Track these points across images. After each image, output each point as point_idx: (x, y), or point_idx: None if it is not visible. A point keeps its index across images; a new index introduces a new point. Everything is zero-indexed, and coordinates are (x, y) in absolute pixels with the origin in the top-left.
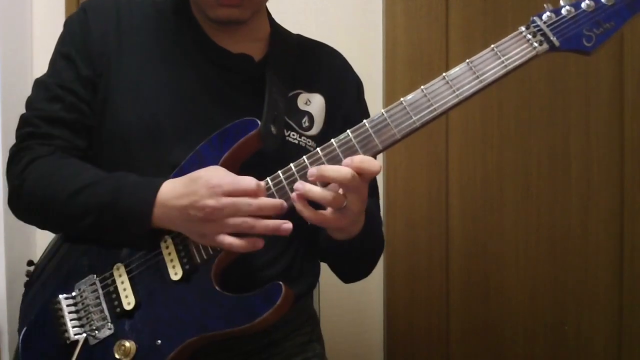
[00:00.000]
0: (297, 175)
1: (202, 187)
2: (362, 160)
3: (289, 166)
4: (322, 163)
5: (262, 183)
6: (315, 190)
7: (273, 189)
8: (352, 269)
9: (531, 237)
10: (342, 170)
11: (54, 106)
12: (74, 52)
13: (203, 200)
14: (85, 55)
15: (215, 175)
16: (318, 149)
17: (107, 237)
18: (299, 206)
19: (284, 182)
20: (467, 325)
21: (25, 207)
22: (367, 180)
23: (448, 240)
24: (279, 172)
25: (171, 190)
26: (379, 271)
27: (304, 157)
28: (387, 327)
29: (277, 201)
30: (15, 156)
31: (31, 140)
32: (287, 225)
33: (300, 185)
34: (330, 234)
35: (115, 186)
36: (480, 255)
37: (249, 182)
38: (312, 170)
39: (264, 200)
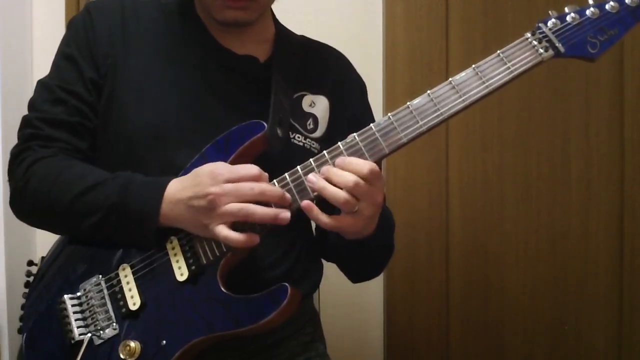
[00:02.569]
0: (303, 178)
1: (205, 177)
2: (346, 163)
3: (295, 169)
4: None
5: (262, 171)
6: (330, 189)
7: None
8: (360, 269)
9: (531, 237)
10: (345, 176)
11: (56, 109)
12: (77, 53)
13: (206, 189)
14: (89, 56)
15: (217, 166)
16: (325, 151)
17: (112, 237)
18: (314, 214)
19: (291, 185)
20: (467, 325)
21: (28, 208)
22: (376, 185)
23: (448, 240)
24: (286, 174)
25: (177, 186)
26: None
27: (311, 159)
28: (387, 327)
29: (279, 189)
30: (17, 157)
31: (33, 142)
32: (285, 214)
33: (313, 177)
34: (341, 234)
35: (122, 185)
36: (480, 255)
37: (250, 168)
38: (323, 169)
39: (267, 185)
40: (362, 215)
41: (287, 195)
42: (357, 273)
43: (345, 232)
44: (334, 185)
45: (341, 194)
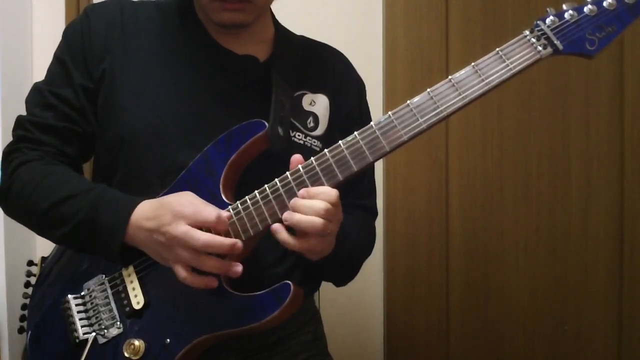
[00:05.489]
0: (305, 177)
1: (167, 214)
2: (313, 193)
3: (297, 168)
4: (330, 164)
5: (225, 214)
6: (305, 219)
7: (282, 189)
8: (330, 279)
9: (531, 237)
10: (315, 206)
11: (46, 114)
12: (69, 59)
13: (165, 227)
14: (82, 61)
15: (181, 203)
16: (326, 150)
17: (81, 248)
18: (281, 236)
19: (293, 184)
20: (467, 325)
21: (11, 207)
22: (340, 205)
23: (448, 240)
24: (287, 173)
25: (143, 212)
26: (379, 271)
27: (312, 158)
28: (387, 327)
29: (228, 241)
30: (7, 157)
31: (22, 144)
32: (236, 268)
33: (288, 215)
34: (303, 255)
35: (93, 202)
36: (480, 255)
37: (208, 213)
38: (292, 204)
39: (212, 239)
40: (330, 235)
41: (239, 244)
42: (331, 282)
43: (311, 253)
44: (307, 213)
45: (319, 221)
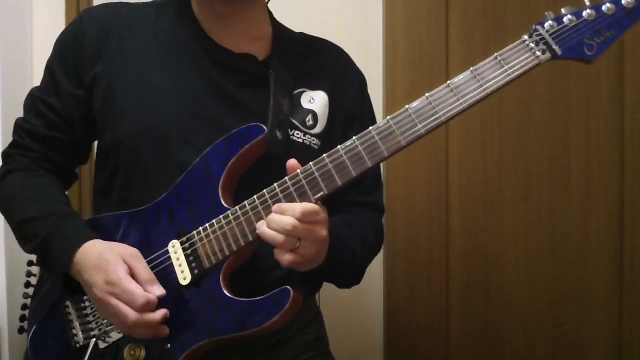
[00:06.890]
0: (304, 182)
1: (101, 276)
2: (281, 209)
3: (295, 172)
4: (329, 170)
5: (154, 298)
6: (268, 233)
7: (280, 195)
8: (332, 282)
9: (531, 237)
10: (281, 221)
11: (36, 121)
12: (59, 67)
13: (95, 288)
14: (72, 68)
15: (116, 272)
16: (324, 155)
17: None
18: (275, 252)
19: (291, 189)
20: (467, 325)
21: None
22: (315, 222)
23: (448, 240)
24: (286, 178)
25: (87, 257)
26: (379, 271)
27: (311, 163)
28: (387, 327)
29: (155, 319)
30: (3, 159)
31: (14, 150)
32: (164, 331)
33: (259, 223)
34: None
35: (49, 230)
36: (480, 255)
37: (137, 297)
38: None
39: (141, 321)
40: (304, 251)
41: (167, 314)
42: (337, 285)
43: (293, 265)
44: (274, 229)
45: (278, 237)
